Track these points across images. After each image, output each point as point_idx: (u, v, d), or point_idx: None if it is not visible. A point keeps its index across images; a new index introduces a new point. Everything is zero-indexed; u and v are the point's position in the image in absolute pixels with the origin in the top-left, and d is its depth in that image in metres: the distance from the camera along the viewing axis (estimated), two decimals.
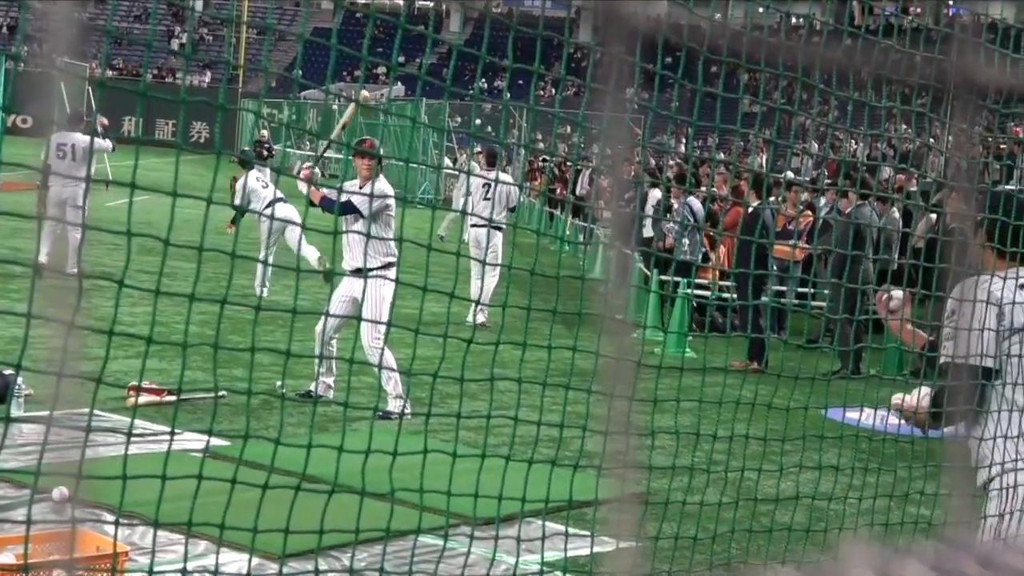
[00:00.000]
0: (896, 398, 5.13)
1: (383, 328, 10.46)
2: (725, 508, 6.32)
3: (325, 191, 11.04)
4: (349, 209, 10.90)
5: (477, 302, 15.56)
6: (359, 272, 10.78)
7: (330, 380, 11.73)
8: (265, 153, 34.07)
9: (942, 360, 4.91)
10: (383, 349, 10.66)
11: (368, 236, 10.08)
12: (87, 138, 17.79)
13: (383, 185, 11.19)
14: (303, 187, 9.81)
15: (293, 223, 13.92)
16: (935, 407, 4.88)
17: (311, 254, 17.38)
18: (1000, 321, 4.79)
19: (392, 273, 10.79)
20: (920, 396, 5.02)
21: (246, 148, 12.36)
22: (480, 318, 15.54)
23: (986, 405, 4.86)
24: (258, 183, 18.55)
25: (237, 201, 16.99)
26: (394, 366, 10.87)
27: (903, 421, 5.13)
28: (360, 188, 11.16)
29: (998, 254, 4.96)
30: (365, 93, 12.44)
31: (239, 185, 17.80)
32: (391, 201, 11.34)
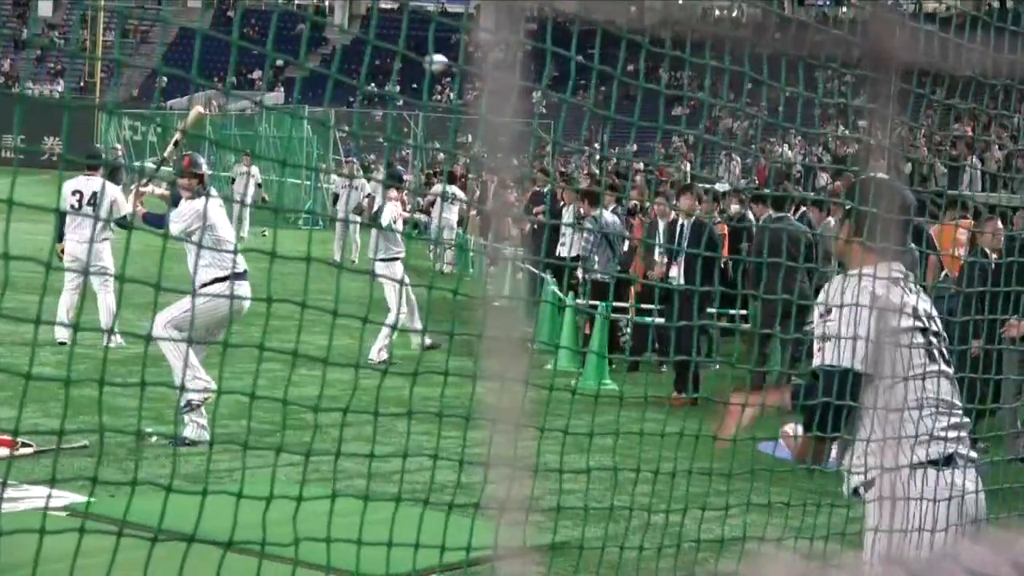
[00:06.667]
0: (787, 427, 5.19)
1: (178, 316, 10.91)
2: (652, 556, 6.34)
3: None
4: (156, 222, 11.29)
5: (394, 327, 15.24)
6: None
7: (202, 420, 11.18)
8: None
9: (815, 364, 5.02)
10: (171, 338, 10.84)
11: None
12: None
13: (197, 205, 11.62)
14: (131, 201, 10.37)
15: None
16: (802, 407, 4.95)
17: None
18: (880, 322, 4.85)
19: (222, 287, 10.97)
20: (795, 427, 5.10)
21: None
22: (428, 340, 15.09)
23: (857, 411, 4.93)
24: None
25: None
26: (201, 375, 10.90)
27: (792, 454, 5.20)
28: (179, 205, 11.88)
29: (865, 249, 5.05)
30: (199, 108, 12.64)
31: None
32: (213, 220, 11.51)
